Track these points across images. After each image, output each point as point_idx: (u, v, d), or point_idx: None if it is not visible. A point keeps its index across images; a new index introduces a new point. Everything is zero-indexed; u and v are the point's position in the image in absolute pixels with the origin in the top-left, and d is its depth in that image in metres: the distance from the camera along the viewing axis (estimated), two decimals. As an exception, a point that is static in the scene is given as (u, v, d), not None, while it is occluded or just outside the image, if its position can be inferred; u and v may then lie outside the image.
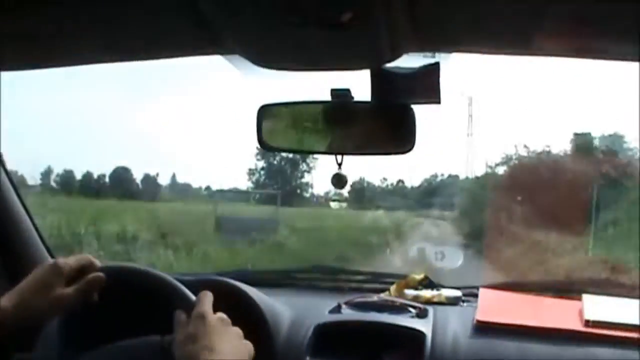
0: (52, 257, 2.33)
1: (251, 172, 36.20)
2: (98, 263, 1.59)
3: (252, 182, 36.63)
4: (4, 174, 2.17)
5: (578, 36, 1.24)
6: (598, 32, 1.22)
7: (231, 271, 2.38)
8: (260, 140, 1.63)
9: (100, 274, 1.54)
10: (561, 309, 2.10)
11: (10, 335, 1.48)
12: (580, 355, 1.80)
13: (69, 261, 1.52)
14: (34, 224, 2.32)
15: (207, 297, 1.47)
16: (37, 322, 1.68)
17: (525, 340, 1.86)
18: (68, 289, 1.49)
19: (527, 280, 2.69)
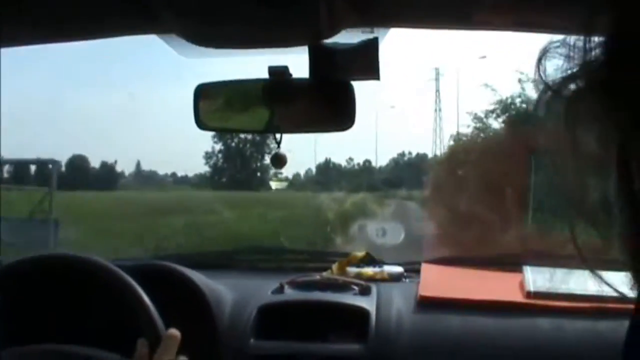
0: None
1: (208, 156, 35.76)
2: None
3: (210, 167, 36.18)
4: None
5: (516, 10, 1.24)
6: (536, 5, 1.22)
7: (171, 254, 2.36)
8: (197, 120, 1.60)
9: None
10: (503, 282, 2.12)
11: None
12: (522, 326, 1.82)
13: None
14: None
15: (172, 342, 1.44)
16: None
17: (468, 313, 1.88)
18: None
19: (468, 254, 2.72)
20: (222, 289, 2.01)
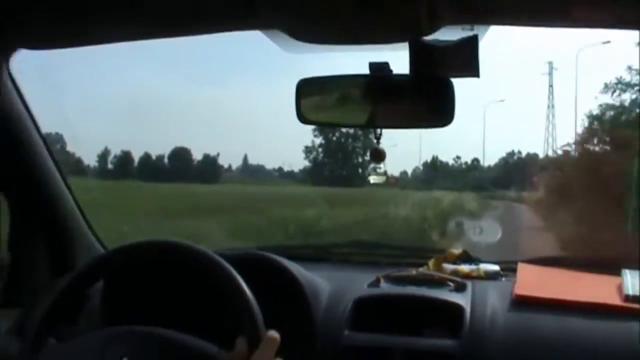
0: (104, 247, 2.37)
1: (308, 150, 35.12)
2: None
3: (310, 161, 35.58)
4: (52, 164, 2.20)
5: (613, 6, 1.23)
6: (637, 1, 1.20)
7: (271, 246, 2.40)
8: (299, 114, 1.64)
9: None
10: (600, 284, 2.08)
11: None
12: (619, 330, 1.79)
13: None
14: (83, 215, 2.35)
15: (272, 346, 1.44)
16: None
17: (564, 314, 1.86)
18: None
19: (566, 255, 2.68)
20: (319, 281, 2.04)
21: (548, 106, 26.16)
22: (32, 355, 1.57)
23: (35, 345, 1.59)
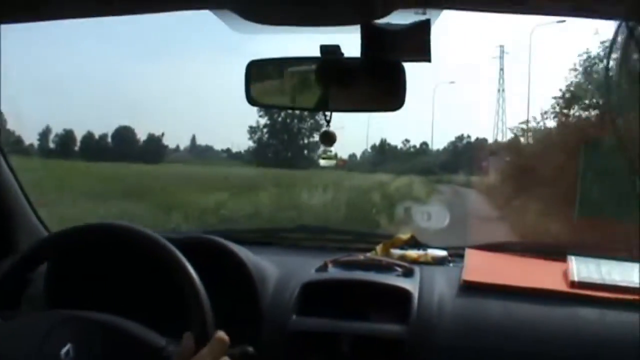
0: (47, 230, 2.33)
1: (252, 131, 34.37)
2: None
3: (254, 141, 34.85)
4: None
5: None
6: None
7: (217, 229, 2.38)
8: (248, 96, 1.62)
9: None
10: (547, 270, 2.11)
11: None
12: (565, 315, 1.81)
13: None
14: (25, 196, 2.30)
15: (220, 347, 1.41)
16: None
17: (511, 300, 1.87)
18: None
19: (513, 241, 2.71)
20: (267, 265, 2.03)
21: (498, 90, 26.21)
22: None
23: None
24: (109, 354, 1.49)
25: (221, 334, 1.41)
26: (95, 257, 1.88)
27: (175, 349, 1.45)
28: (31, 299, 1.88)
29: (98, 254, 1.82)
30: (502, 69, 25.88)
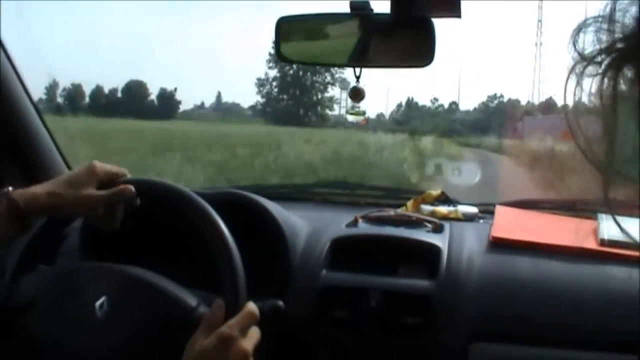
0: (69, 167, 2.35)
1: (260, 83, 32.92)
2: (129, 175, 1.60)
3: (262, 95, 33.50)
4: (19, 85, 2.18)
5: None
6: None
7: (248, 185, 2.40)
8: (278, 52, 1.62)
9: (130, 186, 1.55)
10: (576, 228, 2.10)
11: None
12: (594, 273, 1.81)
13: (105, 166, 1.55)
14: (50, 134, 2.33)
15: (249, 320, 1.43)
16: (64, 214, 1.70)
17: (540, 257, 1.88)
18: (99, 191, 1.52)
19: (543, 198, 2.69)
20: (298, 221, 2.05)
21: (535, 44, 25.14)
22: (9, 291, 1.58)
23: (13, 283, 1.59)
24: (142, 308, 1.52)
25: (251, 307, 1.43)
26: (129, 212, 1.91)
27: (206, 311, 1.48)
28: (66, 254, 1.92)
29: (132, 208, 1.85)
30: (540, 20, 24.79)
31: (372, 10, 1.50)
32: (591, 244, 1.93)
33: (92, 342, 1.47)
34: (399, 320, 1.79)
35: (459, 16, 1.47)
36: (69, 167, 2.35)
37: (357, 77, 1.57)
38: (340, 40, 1.60)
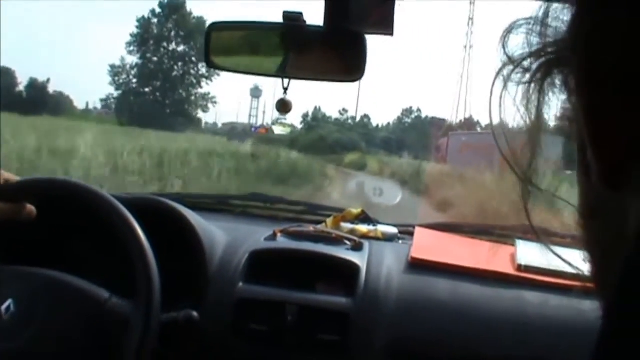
0: None
1: (115, 72, 28.49)
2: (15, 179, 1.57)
3: (115, 85, 28.58)
4: None
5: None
6: None
7: (170, 193, 2.36)
8: (208, 59, 1.60)
9: (29, 208, 1.51)
10: (494, 252, 2.12)
11: None
12: (510, 297, 1.83)
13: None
14: None
15: None
16: None
17: (458, 280, 1.89)
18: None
19: (463, 222, 2.74)
20: (216, 231, 2.03)
21: (465, 47, 24.42)
22: None
23: None
24: (52, 307, 1.49)
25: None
26: (42, 214, 1.86)
27: (118, 302, 1.48)
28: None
29: (45, 210, 1.79)
30: (471, 19, 23.82)
31: (305, 21, 1.50)
32: (508, 269, 1.95)
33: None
34: (315, 337, 1.78)
35: (391, 34, 1.47)
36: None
37: (285, 89, 1.56)
38: (271, 50, 1.58)
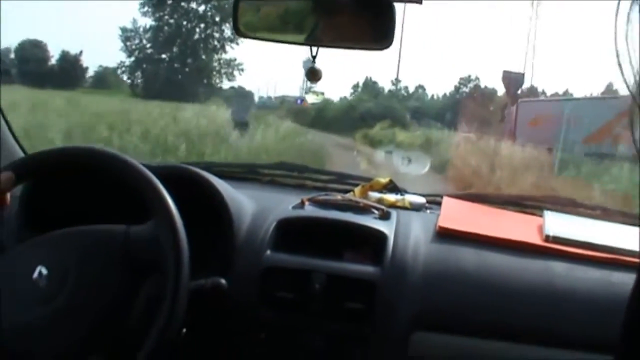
0: (25, 152, 2.31)
1: (126, 37, 25.17)
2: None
3: (127, 50, 25.50)
4: None
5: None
6: None
7: (198, 162, 2.37)
8: (236, 28, 1.60)
9: (9, 173, 1.52)
10: (522, 223, 2.13)
11: None
12: (537, 268, 1.83)
13: None
14: (4, 117, 2.28)
15: None
16: None
17: (485, 249, 1.89)
18: None
19: (491, 193, 2.73)
20: (244, 200, 2.03)
21: (530, 17, 22.39)
22: None
23: None
24: (80, 257, 1.51)
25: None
26: (71, 181, 1.87)
27: (137, 229, 1.52)
28: (7, 221, 1.88)
29: (73, 178, 1.81)
30: None
31: (334, -11, 1.49)
32: (536, 240, 1.95)
33: (43, 311, 1.45)
34: (342, 305, 1.78)
35: (420, 2, 1.46)
36: (25, 152, 2.30)
37: (314, 57, 1.55)
38: (299, 18, 1.58)
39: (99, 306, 1.48)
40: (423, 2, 1.47)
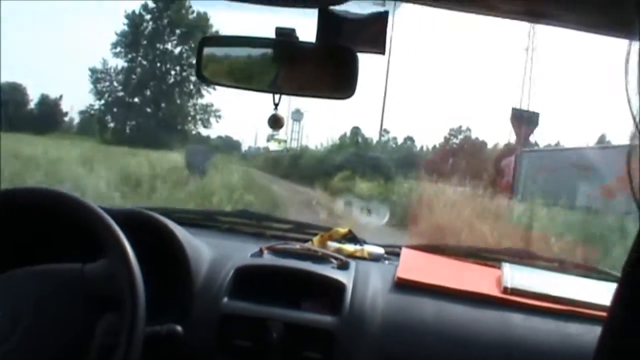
0: None
1: (96, 78, 24.45)
2: None
3: (95, 92, 24.46)
4: None
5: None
6: None
7: (157, 207, 2.35)
8: (199, 73, 1.60)
9: None
10: (480, 275, 2.13)
11: None
12: (495, 319, 1.83)
13: None
14: None
15: None
16: None
17: (443, 301, 1.89)
18: None
19: (449, 244, 2.74)
20: (203, 246, 2.02)
21: (526, 49, 21.06)
22: None
23: None
24: (35, 297, 1.49)
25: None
26: (25, 224, 1.85)
27: (92, 267, 1.51)
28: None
29: (28, 220, 1.78)
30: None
31: (297, 37, 1.50)
32: (494, 291, 1.95)
33: None
34: (300, 354, 1.77)
35: (382, 53, 1.47)
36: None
37: (276, 105, 1.56)
38: (262, 65, 1.58)
39: (54, 348, 1.46)
40: (386, 52, 1.47)
